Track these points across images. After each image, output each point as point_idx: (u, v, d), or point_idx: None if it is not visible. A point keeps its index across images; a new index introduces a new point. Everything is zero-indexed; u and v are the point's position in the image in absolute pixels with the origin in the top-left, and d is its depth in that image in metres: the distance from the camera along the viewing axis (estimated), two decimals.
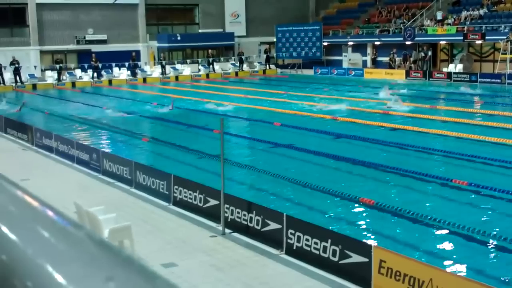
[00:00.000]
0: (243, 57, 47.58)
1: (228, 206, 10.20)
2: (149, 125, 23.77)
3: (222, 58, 48.22)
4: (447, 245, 9.66)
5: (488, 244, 9.56)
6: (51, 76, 41.38)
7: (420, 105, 26.10)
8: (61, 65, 41.69)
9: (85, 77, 42.36)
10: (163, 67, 44.50)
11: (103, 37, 45.44)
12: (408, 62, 42.06)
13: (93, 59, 42.14)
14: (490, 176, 13.84)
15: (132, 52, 44.11)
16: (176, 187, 11.82)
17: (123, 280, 0.80)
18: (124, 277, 0.80)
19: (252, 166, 15.60)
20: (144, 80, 42.96)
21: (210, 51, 47.02)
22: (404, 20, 43.99)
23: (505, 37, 35.32)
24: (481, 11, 39.84)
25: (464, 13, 40.44)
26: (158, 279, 0.82)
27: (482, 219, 10.98)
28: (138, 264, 0.83)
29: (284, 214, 9.21)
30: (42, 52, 43.19)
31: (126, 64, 43.93)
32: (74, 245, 0.86)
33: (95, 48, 44.56)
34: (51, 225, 0.94)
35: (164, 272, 8.40)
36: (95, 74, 42.12)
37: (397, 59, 42.89)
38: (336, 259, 8.16)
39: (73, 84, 40.95)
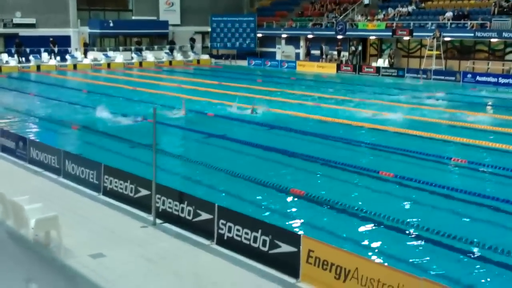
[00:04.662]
0: (174, 46, 47.23)
1: (159, 196, 10.15)
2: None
3: (156, 47, 47.59)
4: (373, 235, 9.99)
5: (411, 234, 9.96)
6: None
7: (350, 98, 26.76)
8: None
9: (12, 61, 40.82)
10: (85, 52, 43.50)
11: (32, 21, 43.85)
12: (340, 56, 42.91)
13: (16, 41, 40.89)
14: (415, 169, 14.38)
15: (50, 38, 42.70)
16: (106, 176, 11.64)
17: (43, 281, 0.82)
18: (44, 278, 0.82)
19: (184, 156, 15.56)
20: (75, 66, 41.82)
21: (135, 39, 46.48)
22: (336, 15, 44.79)
23: (431, 34, 36.59)
24: (410, 8, 41.10)
25: (393, 10, 41.60)
26: (78, 278, 0.85)
27: (406, 209, 11.41)
28: (59, 264, 0.85)
29: (216, 204, 9.26)
30: None
31: (56, 49, 42.69)
32: None
33: (23, 32, 42.99)
34: None
35: (93, 263, 8.29)
36: (22, 59, 40.75)
37: (327, 52, 43.65)
38: (266, 249, 8.29)
39: None
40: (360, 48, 42.24)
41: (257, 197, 11.94)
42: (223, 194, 12.09)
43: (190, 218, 9.61)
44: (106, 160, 12.67)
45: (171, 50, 47.05)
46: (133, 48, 46.33)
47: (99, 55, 43.98)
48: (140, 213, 10.54)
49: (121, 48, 46.27)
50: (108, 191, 11.55)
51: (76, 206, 11.04)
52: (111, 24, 45.95)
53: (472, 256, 9.07)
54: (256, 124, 20.01)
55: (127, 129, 19.17)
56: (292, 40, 46.74)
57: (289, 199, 11.88)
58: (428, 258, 9.00)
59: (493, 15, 35.83)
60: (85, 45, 44.81)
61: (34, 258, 0.76)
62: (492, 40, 35.11)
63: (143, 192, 10.69)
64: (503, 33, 33.94)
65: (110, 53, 44.78)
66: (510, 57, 35.52)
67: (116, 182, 11.40)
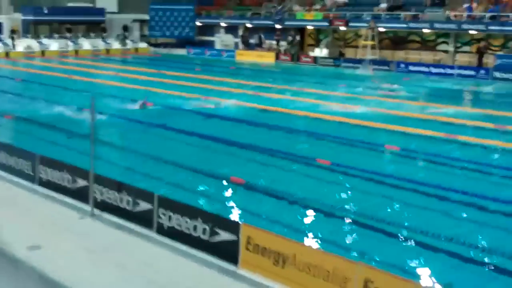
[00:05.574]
0: (106, 34, 46.26)
1: (97, 186, 10.04)
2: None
3: (92, 35, 46.51)
4: (311, 222, 10.24)
5: (348, 220, 10.26)
6: None
7: (289, 87, 27.07)
8: None
9: None
10: (12, 39, 41.99)
11: None
12: (278, 46, 43.21)
13: None
14: (351, 156, 14.76)
15: None
16: (42, 167, 11.41)
17: None
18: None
19: (124, 146, 15.41)
20: (7, 54, 40.40)
21: (67, 26, 45.42)
22: (275, 5, 45.07)
23: (367, 25, 37.36)
24: None
25: (330, 0, 42.22)
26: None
27: (343, 196, 11.71)
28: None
29: (155, 193, 9.25)
30: None
31: None
32: None
33: None
34: None
35: (30, 255, 8.15)
36: None
37: (266, 42, 43.91)
38: (206, 237, 8.37)
39: None
40: (298, 37, 42.67)
41: (197, 186, 11.98)
42: (163, 183, 12.07)
43: (129, 208, 9.57)
44: (44, 150, 12.39)
45: (102, 38, 46.05)
46: (68, 35, 45.12)
47: (33, 43, 42.62)
48: (78, 203, 10.40)
49: (56, 35, 44.97)
50: (44, 182, 11.32)
51: (10, 198, 10.77)
52: (46, 11, 44.61)
53: (408, 242, 9.43)
54: (196, 114, 19.97)
55: (65, 119, 18.74)
56: (231, 29, 46.70)
57: (229, 187, 11.98)
58: (364, 243, 9.30)
59: (426, 6, 36.93)
60: (12, 32, 43.01)
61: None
62: (424, 30, 36.21)
63: (81, 182, 10.54)
64: (435, 24, 35.06)
65: (45, 41, 43.47)
66: (441, 48, 36.75)
67: (52, 172, 11.19)
